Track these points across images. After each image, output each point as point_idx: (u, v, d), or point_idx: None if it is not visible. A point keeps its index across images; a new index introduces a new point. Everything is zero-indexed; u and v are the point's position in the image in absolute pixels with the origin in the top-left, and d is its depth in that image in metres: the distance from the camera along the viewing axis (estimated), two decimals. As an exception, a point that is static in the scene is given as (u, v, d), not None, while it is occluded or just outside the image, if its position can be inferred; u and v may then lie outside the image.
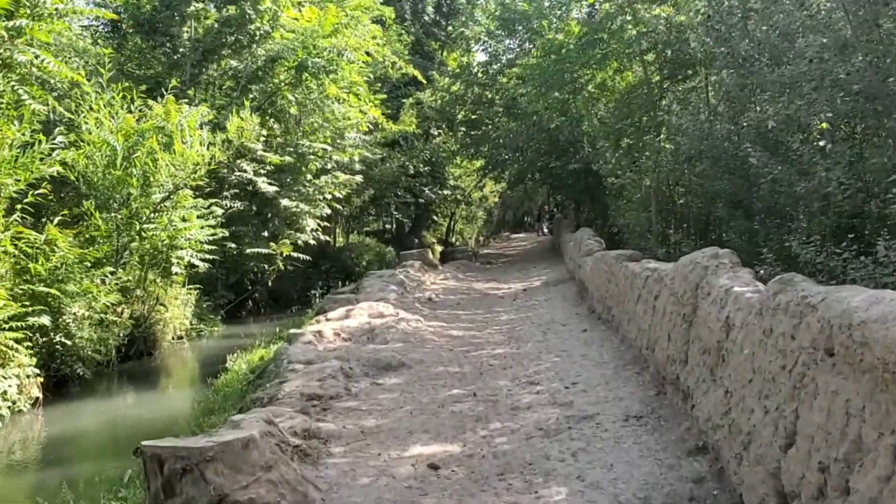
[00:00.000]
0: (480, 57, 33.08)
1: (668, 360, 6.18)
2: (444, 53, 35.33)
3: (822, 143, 9.13)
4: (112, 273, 11.59)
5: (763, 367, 3.93)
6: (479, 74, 28.11)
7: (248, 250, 15.32)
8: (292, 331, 9.29)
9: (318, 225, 17.47)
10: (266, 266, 18.03)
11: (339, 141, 19.43)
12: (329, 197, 17.65)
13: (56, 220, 10.78)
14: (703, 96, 16.76)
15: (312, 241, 17.01)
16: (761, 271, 7.98)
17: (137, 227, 12.03)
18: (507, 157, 25.51)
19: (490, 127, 27.75)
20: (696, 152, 12.83)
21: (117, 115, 12.16)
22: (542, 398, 6.68)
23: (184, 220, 13.59)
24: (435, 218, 47.32)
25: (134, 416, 10.05)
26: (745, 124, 12.80)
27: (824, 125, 8.91)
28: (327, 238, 23.37)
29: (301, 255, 16.44)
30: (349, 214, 23.74)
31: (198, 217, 14.05)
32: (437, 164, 35.86)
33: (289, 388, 7.25)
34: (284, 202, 16.54)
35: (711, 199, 14.03)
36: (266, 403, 6.77)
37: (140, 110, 13.20)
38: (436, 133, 29.32)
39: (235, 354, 10.58)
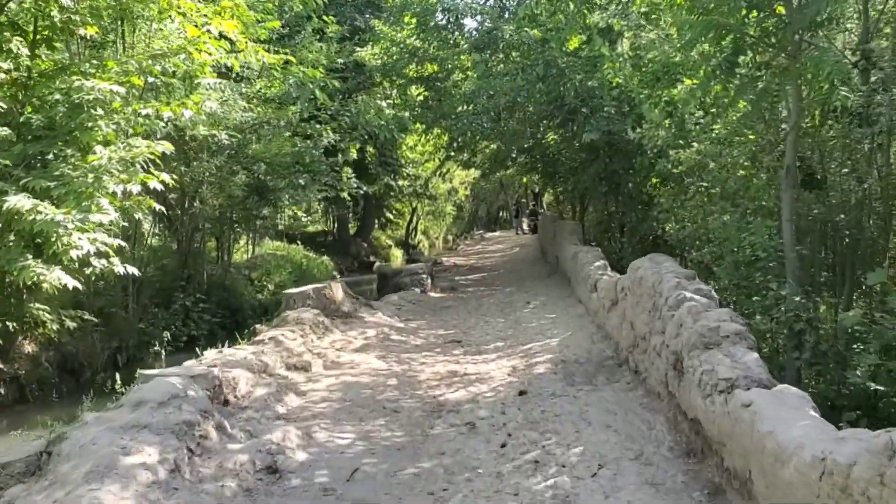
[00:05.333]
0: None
1: None
2: None
3: None
4: None
5: None
6: (440, 14, 19.31)
7: None
8: None
9: (110, 246, 8.55)
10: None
11: (173, 86, 10.59)
12: (133, 188, 8.72)
13: None
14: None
15: (75, 283, 8.11)
16: None
17: None
18: (481, 127, 16.70)
19: (453, 88, 18.94)
20: None
21: None
22: None
23: None
24: (390, 216, 38.47)
25: None
26: None
27: None
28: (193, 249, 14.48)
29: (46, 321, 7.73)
30: (231, 217, 14.78)
31: None
32: (385, 144, 27.13)
33: None
34: (13, 201, 7.66)
35: None
36: None
37: None
38: (385, 104, 20.39)
39: None
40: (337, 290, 10.39)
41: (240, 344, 8.82)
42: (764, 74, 6.87)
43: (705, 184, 10.74)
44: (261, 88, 12.89)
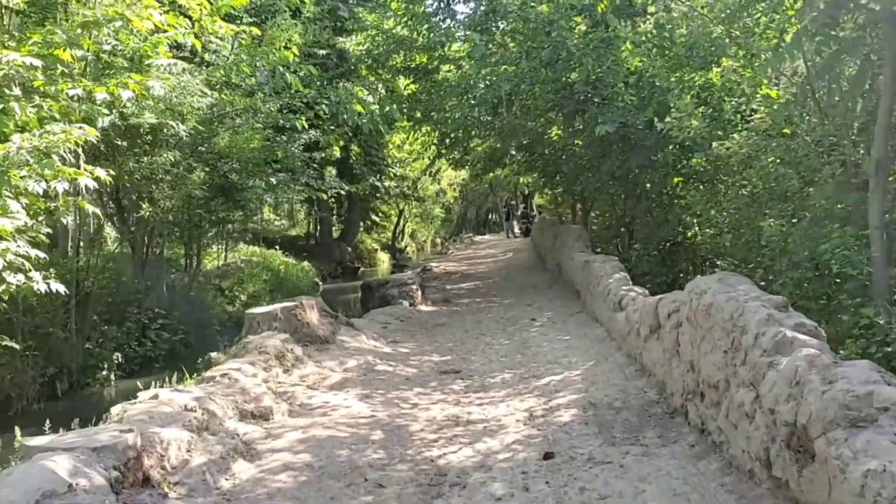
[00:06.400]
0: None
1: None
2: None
3: None
4: None
5: None
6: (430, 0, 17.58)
7: None
8: None
9: (27, 258, 6.81)
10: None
11: (116, 65, 8.89)
12: (59, 186, 6.95)
13: None
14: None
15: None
16: None
17: None
18: (477, 121, 15.03)
19: (444, 83, 17.28)
20: None
21: None
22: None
23: None
24: (376, 218, 36.72)
25: None
26: None
27: None
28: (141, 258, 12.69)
29: None
30: (196, 221, 12.98)
31: None
32: (370, 143, 25.51)
33: None
34: None
35: None
36: None
37: None
38: (371, 98, 18.65)
39: None
40: (311, 310, 8.65)
41: (187, 383, 7.09)
42: (867, 36, 5.23)
43: (746, 182, 9.15)
44: (226, 73, 11.11)
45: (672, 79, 9.48)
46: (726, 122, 9.40)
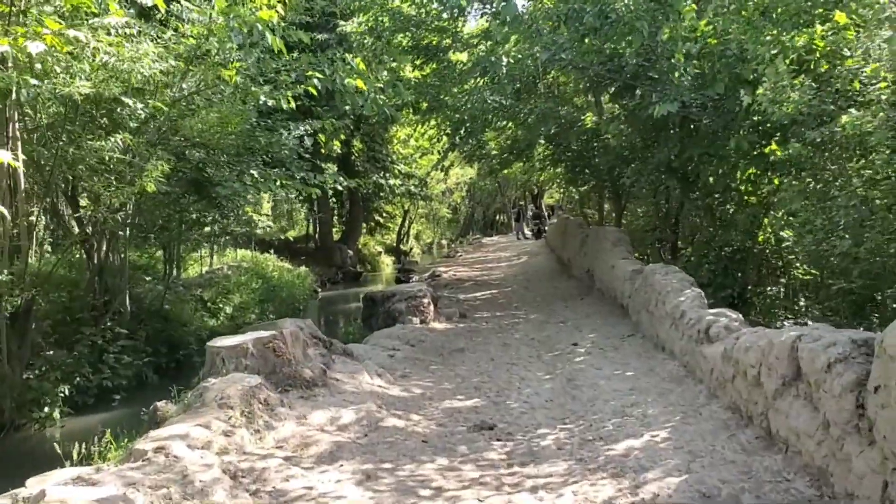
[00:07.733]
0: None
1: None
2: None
3: None
4: None
5: None
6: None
7: None
8: None
9: None
10: None
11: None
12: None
13: None
14: None
15: None
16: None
17: None
18: (497, 104, 12.90)
19: (458, 65, 15.15)
20: None
21: None
22: None
23: None
24: (380, 219, 34.58)
25: None
26: None
27: None
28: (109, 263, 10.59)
29: None
30: (162, 222, 10.87)
31: None
32: (374, 137, 23.46)
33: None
34: None
35: None
36: None
37: None
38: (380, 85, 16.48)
39: None
40: (294, 341, 6.50)
41: (111, 456, 4.97)
42: None
43: (867, 171, 7.01)
44: (198, 41, 8.98)
45: (768, 38, 7.34)
46: (836, 93, 7.26)
